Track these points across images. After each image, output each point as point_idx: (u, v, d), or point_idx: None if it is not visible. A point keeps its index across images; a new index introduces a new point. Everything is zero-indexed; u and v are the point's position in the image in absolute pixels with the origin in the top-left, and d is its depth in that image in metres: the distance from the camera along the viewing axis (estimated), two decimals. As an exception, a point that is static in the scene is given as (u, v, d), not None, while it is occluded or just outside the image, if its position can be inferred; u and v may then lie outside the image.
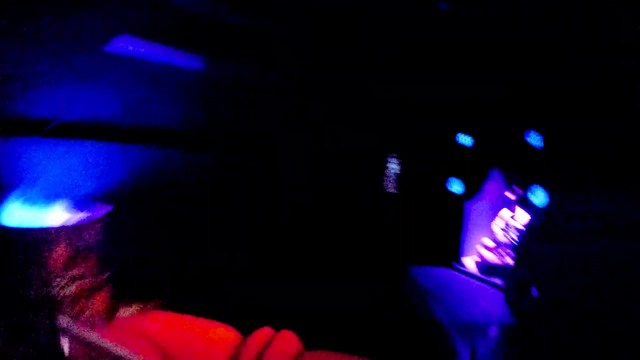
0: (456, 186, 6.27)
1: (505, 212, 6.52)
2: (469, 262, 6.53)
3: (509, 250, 6.04)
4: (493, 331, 4.56)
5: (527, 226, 5.34)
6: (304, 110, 5.66)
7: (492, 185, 6.96)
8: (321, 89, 5.59)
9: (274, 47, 4.64)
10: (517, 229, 6.08)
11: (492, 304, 5.06)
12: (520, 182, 5.41)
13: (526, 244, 5.29)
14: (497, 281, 5.68)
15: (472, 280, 5.87)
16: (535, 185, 5.02)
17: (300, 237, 5.72)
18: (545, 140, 5.07)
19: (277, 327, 2.97)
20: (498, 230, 6.38)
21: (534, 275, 5.11)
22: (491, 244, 6.41)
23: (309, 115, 5.75)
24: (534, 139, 5.14)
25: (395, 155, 6.69)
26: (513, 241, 6.05)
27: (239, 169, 5.39)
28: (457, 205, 6.40)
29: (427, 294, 5.40)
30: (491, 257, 6.12)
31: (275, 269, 4.85)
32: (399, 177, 6.93)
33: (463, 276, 6.04)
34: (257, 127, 5.48)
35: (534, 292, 5.11)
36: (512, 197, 6.28)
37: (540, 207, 4.97)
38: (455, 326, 4.60)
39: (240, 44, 4.60)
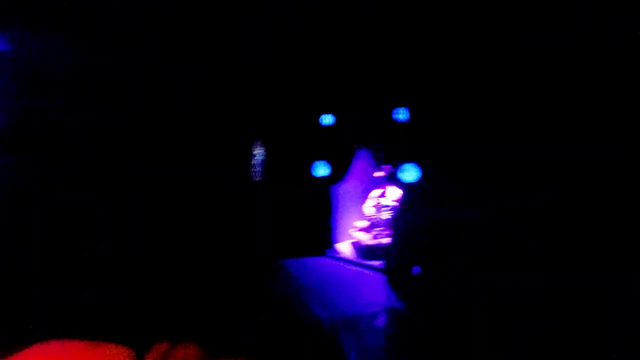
0: (322, 169, 5.84)
1: (375, 192, 6.41)
2: (344, 248, 6.25)
3: (382, 230, 5.92)
4: (381, 320, 4.28)
5: (399, 203, 5.21)
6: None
7: (360, 165, 6.81)
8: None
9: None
10: (388, 207, 5.98)
11: (375, 291, 4.79)
12: (389, 160, 5.24)
13: (398, 221, 5.16)
14: (376, 264, 5.48)
15: (351, 267, 5.57)
16: (405, 162, 4.88)
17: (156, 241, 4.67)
18: (411, 117, 4.96)
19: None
20: (370, 210, 6.22)
21: (411, 253, 5.01)
22: (364, 225, 6.22)
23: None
24: (401, 115, 4.99)
25: (258, 141, 5.95)
26: (386, 220, 5.93)
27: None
28: (325, 189, 6.00)
29: (303, 288, 4.89)
30: (366, 239, 5.91)
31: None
32: (263, 164, 6.26)
33: (341, 264, 5.70)
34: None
35: (415, 270, 5.02)
36: (381, 175, 6.16)
37: (411, 183, 4.85)
38: (338, 321, 4.19)
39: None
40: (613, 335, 2.59)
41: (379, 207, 6.04)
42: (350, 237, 6.39)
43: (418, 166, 4.77)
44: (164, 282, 4.04)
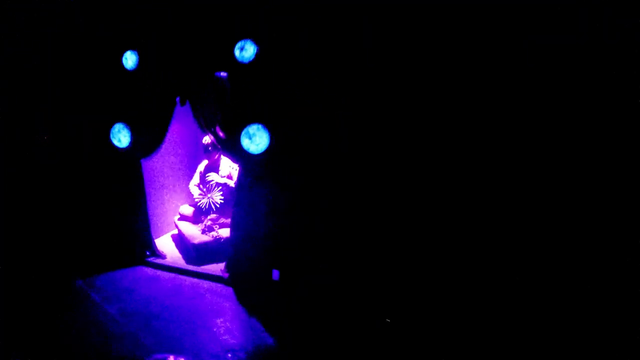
0: (124, 136, 3.80)
1: (202, 165, 4.66)
2: (169, 246, 4.43)
3: (216, 218, 4.31)
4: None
5: (238, 180, 3.67)
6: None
7: (181, 128, 4.87)
8: None
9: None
10: (220, 186, 4.37)
11: (222, 322, 3.29)
12: (225, 119, 3.56)
13: (240, 205, 3.67)
14: (215, 269, 3.91)
15: (182, 279, 3.86)
16: (249, 123, 3.32)
17: None
18: (261, 55, 3.35)
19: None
20: (195, 191, 4.49)
21: (262, 250, 3.63)
22: (190, 213, 4.49)
23: None
24: (245, 52, 3.32)
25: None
26: (219, 203, 4.33)
27: None
28: (132, 165, 3.98)
29: (114, 335, 3.05)
30: (196, 233, 4.22)
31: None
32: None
33: (167, 276, 3.91)
34: None
35: (276, 275, 3.67)
36: (209, 142, 4.43)
37: (257, 153, 3.36)
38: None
39: None
40: None
41: (209, 187, 4.36)
42: (176, 229, 4.59)
43: (267, 130, 3.29)
44: None
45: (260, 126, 3.28)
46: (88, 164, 4.05)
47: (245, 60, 3.32)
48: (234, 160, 3.60)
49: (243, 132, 3.32)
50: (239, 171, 3.70)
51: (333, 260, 3.40)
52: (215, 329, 3.10)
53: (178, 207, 4.83)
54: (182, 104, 3.76)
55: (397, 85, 3.05)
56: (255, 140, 3.28)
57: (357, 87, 3.15)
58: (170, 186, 4.81)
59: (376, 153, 3.20)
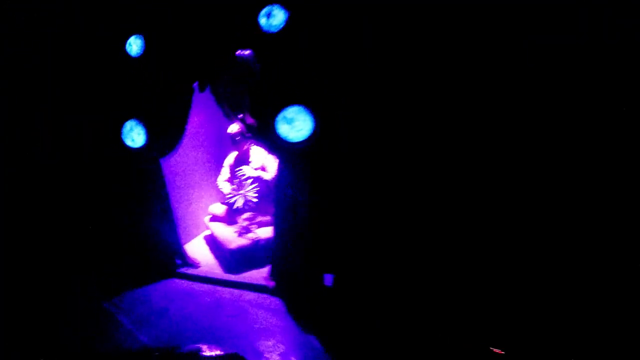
0: (137, 134, 3.30)
1: (230, 158, 4.10)
2: (202, 253, 3.95)
3: (252, 217, 3.77)
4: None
5: (279, 169, 3.10)
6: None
7: (200, 120, 4.31)
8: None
9: None
10: (256, 177, 3.81)
11: (273, 339, 2.80)
12: (254, 105, 2.98)
13: (282, 202, 3.12)
14: (257, 277, 3.41)
15: (220, 292, 3.37)
16: (289, 108, 2.72)
17: None
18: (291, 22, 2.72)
19: None
20: (226, 188, 3.95)
21: (310, 252, 3.09)
22: (222, 212, 3.97)
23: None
24: (274, 20, 2.70)
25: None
26: (254, 201, 3.78)
27: None
28: (151, 166, 3.48)
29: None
30: (230, 235, 3.70)
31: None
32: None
33: (202, 288, 3.43)
34: None
35: (328, 279, 3.13)
36: (237, 132, 3.85)
37: (297, 141, 2.77)
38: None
39: None
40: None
41: (241, 182, 3.81)
42: (209, 230, 4.10)
43: (310, 112, 2.69)
44: None
45: (300, 108, 2.68)
46: (100, 168, 3.56)
47: (273, 29, 2.70)
48: (270, 151, 3.02)
49: (279, 117, 2.73)
50: (278, 163, 3.12)
51: (401, 262, 2.83)
52: (267, 355, 2.60)
53: (207, 206, 4.33)
54: (202, 89, 3.19)
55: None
56: (296, 125, 2.69)
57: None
58: (196, 184, 4.29)
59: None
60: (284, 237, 3.10)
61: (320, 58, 2.68)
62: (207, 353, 2.02)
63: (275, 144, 2.83)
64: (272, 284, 3.27)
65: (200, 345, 2.17)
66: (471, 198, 2.60)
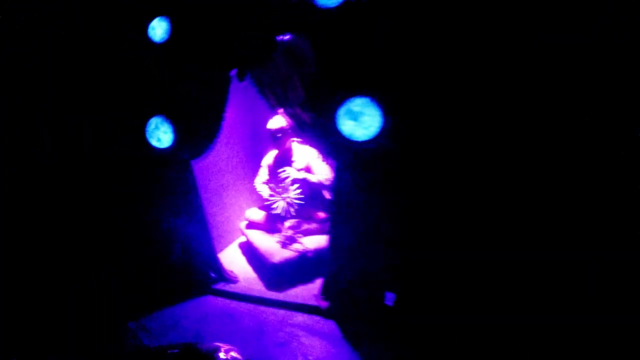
0: (163, 133, 2.87)
1: (271, 157, 3.63)
2: (239, 265, 3.50)
3: (298, 224, 3.31)
4: None
5: (337, 170, 2.61)
6: None
7: (231, 113, 3.84)
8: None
9: None
10: (301, 180, 3.33)
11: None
12: (309, 96, 2.51)
13: (342, 209, 2.64)
14: (306, 296, 2.95)
15: (263, 313, 2.93)
16: (355, 100, 2.25)
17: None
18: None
19: None
20: (265, 191, 3.50)
21: (369, 267, 2.63)
22: (261, 219, 3.52)
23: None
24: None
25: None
26: (296, 204, 3.31)
27: None
28: (181, 168, 3.04)
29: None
30: (272, 246, 3.25)
31: None
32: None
33: (241, 308, 2.99)
34: None
35: (390, 297, 2.67)
36: (277, 127, 3.38)
37: (364, 140, 2.30)
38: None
39: None
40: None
41: (282, 186, 3.34)
42: (244, 237, 3.66)
43: (379, 106, 2.22)
44: None
45: (368, 100, 2.20)
46: (120, 169, 3.12)
47: (331, 3, 2.22)
48: (328, 152, 2.53)
49: (341, 111, 2.25)
50: (336, 165, 2.62)
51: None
52: None
53: (240, 210, 3.89)
54: (241, 79, 2.73)
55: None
56: (364, 121, 2.21)
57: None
58: (230, 185, 3.85)
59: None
60: (343, 250, 2.64)
61: (392, 39, 2.20)
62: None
63: (336, 144, 2.36)
64: (325, 304, 2.82)
65: (218, 345, 2.00)
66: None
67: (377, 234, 2.50)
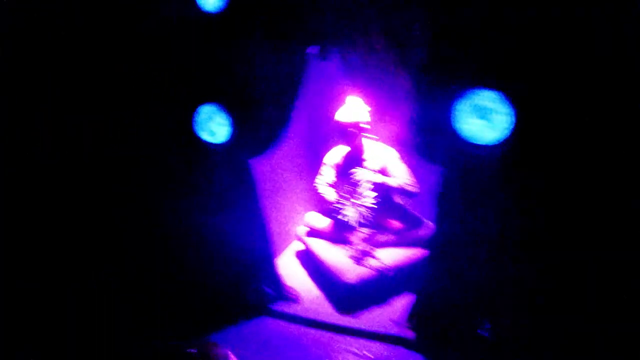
0: (217, 125, 2.46)
1: (338, 156, 3.15)
2: (301, 284, 3.04)
3: (372, 236, 2.85)
4: None
5: (443, 177, 2.13)
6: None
7: (309, 112, 3.31)
8: None
9: None
10: (378, 184, 2.85)
11: None
12: (419, 84, 2.05)
13: (445, 210, 2.16)
14: (388, 325, 2.49)
15: (334, 342, 2.50)
16: (482, 92, 1.78)
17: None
18: None
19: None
20: (330, 194, 3.04)
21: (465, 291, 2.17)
22: (327, 227, 3.05)
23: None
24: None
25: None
26: (373, 211, 2.84)
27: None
28: (240, 167, 2.61)
29: None
30: (343, 262, 2.80)
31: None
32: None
33: (310, 333, 2.54)
34: None
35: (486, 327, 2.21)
36: (348, 122, 2.91)
37: (489, 145, 1.83)
38: None
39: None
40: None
41: (356, 190, 2.88)
42: (302, 243, 3.22)
43: (511, 103, 1.75)
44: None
45: (498, 96, 1.73)
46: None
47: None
48: (435, 155, 2.06)
49: (465, 107, 1.79)
50: (443, 170, 2.11)
51: None
52: None
53: (295, 213, 3.45)
54: (323, 57, 2.30)
55: None
56: (495, 120, 1.75)
57: None
58: (287, 186, 3.41)
59: None
60: (444, 272, 2.18)
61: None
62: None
63: (453, 145, 1.89)
64: (411, 333, 2.38)
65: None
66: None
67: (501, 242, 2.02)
